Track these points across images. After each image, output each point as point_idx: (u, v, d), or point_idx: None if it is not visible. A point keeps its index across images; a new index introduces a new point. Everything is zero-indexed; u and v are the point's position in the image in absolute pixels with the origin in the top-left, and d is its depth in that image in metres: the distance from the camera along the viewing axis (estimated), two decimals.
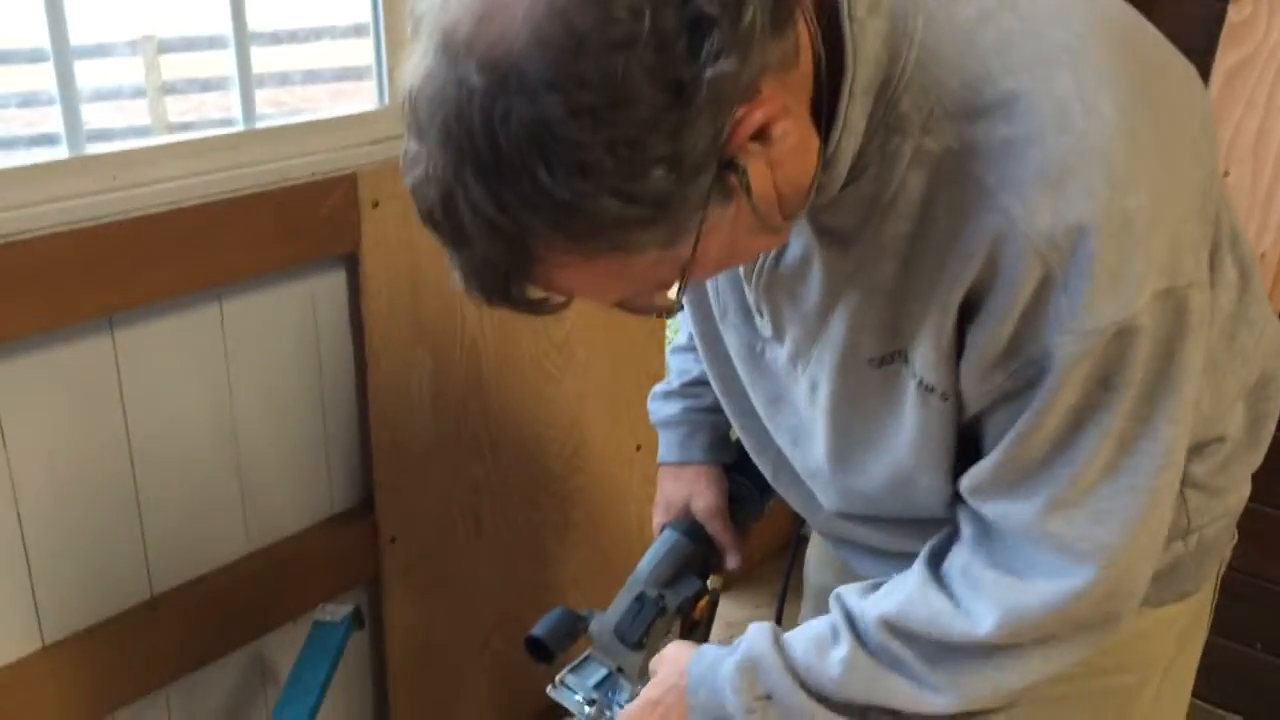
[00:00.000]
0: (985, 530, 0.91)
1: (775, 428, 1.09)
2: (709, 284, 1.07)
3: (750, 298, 1.00)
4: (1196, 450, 1.00)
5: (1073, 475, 0.83)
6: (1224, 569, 1.14)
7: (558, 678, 1.22)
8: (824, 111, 0.79)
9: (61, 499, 1.37)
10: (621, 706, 1.17)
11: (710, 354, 1.13)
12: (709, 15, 0.66)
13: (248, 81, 1.49)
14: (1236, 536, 1.12)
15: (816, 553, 1.39)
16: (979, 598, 0.91)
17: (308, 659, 1.51)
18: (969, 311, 0.82)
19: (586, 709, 1.20)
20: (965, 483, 0.91)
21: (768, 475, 1.17)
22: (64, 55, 1.30)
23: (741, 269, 0.99)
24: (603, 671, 1.21)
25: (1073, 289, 0.76)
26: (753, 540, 1.35)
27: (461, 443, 1.82)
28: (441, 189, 0.71)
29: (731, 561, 1.29)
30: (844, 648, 0.95)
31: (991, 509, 0.89)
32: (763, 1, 0.69)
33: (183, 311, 1.44)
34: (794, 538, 1.32)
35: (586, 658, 1.23)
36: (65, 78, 1.30)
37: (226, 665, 1.63)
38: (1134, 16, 0.87)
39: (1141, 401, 0.81)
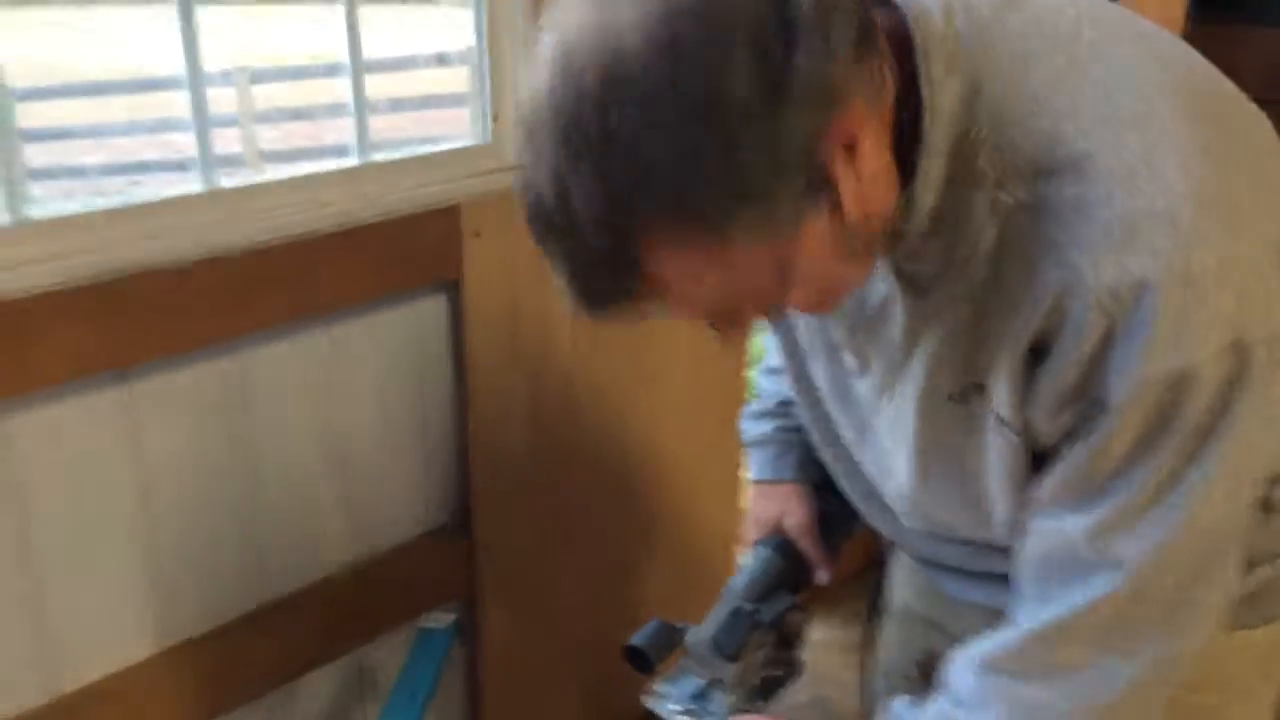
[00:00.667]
0: (1038, 541, 0.95)
1: (862, 456, 1.14)
2: (799, 324, 1.13)
3: (837, 337, 1.06)
4: None
5: (1121, 503, 0.87)
6: None
7: (654, 687, 1.25)
8: (904, 163, 0.85)
9: (186, 510, 1.45)
10: (717, 716, 1.22)
11: (799, 387, 1.18)
12: (803, 21, 0.73)
13: (362, 110, 1.56)
14: None
15: (901, 572, 1.41)
16: (1025, 604, 0.96)
17: (413, 664, 1.56)
18: (1038, 355, 0.87)
19: (682, 718, 1.24)
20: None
21: (857, 502, 1.21)
22: (199, 85, 1.37)
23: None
24: (698, 682, 1.23)
25: (1134, 340, 0.80)
26: None
27: (554, 464, 1.88)
28: (555, 184, 0.77)
29: (822, 578, 1.32)
30: (940, 703, 1.01)
31: (1046, 523, 0.94)
32: (848, 23, 0.76)
33: (296, 335, 1.51)
34: (879, 558, 1.35)
35: (682, 669, 1.25)
36: (199, 107, 1.38)
37: (327, 673, 1.68)
38: (1205, 73, 0.90)
39: (1193, 443, 0.84)
